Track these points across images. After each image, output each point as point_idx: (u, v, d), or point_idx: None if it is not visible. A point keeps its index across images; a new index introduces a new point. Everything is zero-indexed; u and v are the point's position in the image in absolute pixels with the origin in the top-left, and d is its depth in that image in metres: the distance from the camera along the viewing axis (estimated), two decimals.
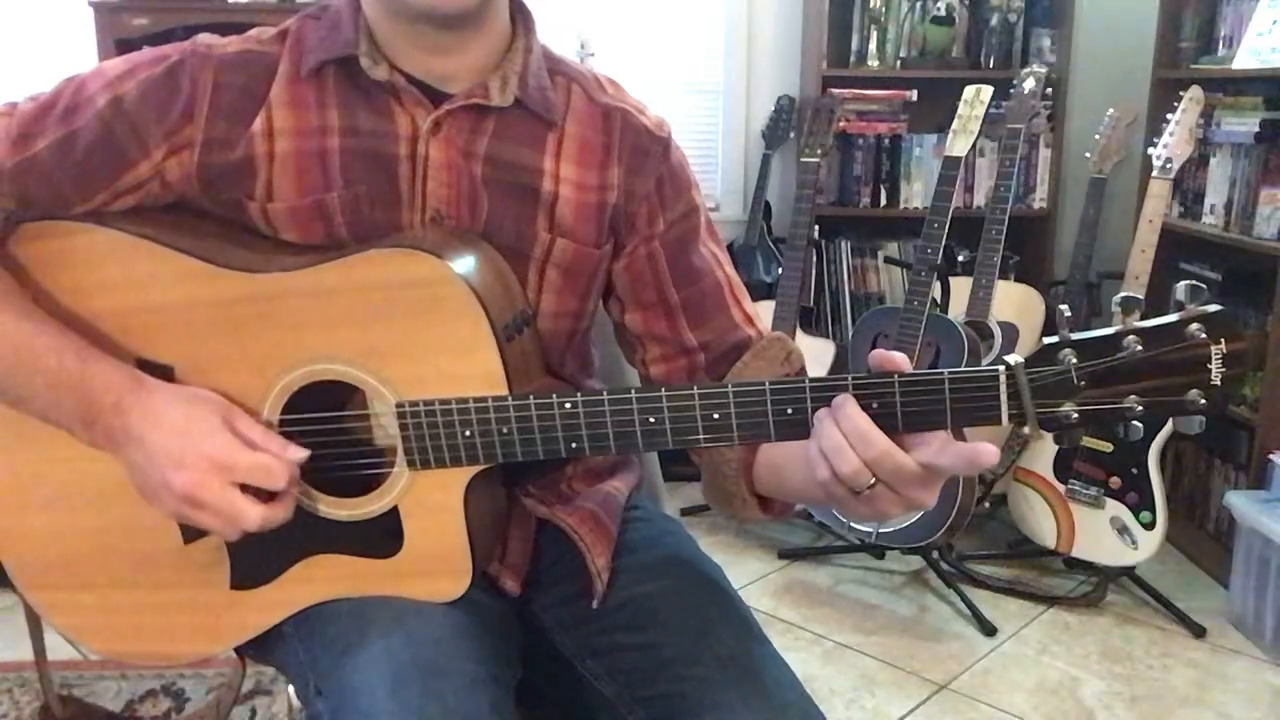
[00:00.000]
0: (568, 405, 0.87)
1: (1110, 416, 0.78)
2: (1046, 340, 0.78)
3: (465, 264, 0.91)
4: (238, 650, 1.06)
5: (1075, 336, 0.78)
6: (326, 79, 0.99)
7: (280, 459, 0.90)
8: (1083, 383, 0.77)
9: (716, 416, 0.84)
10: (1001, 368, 0.78)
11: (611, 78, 1.09)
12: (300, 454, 0.91)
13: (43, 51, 2.92)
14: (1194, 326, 0.76)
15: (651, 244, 1.05)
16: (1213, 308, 0.76)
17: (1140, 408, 0.77)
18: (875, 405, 0.79)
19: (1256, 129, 2.51)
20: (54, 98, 0.98)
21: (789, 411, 0.83)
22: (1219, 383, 0.76)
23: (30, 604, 1.06)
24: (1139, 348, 0.76)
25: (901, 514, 0.83)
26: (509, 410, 0.88)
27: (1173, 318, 0.77)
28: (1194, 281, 0.78)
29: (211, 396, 0.93)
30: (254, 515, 0.89)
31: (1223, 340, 0.76)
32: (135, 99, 0.96)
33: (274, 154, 0.98)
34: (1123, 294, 0.78)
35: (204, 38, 1.00)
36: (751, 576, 2.59)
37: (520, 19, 1.04)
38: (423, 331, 0.90)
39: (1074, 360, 0.77)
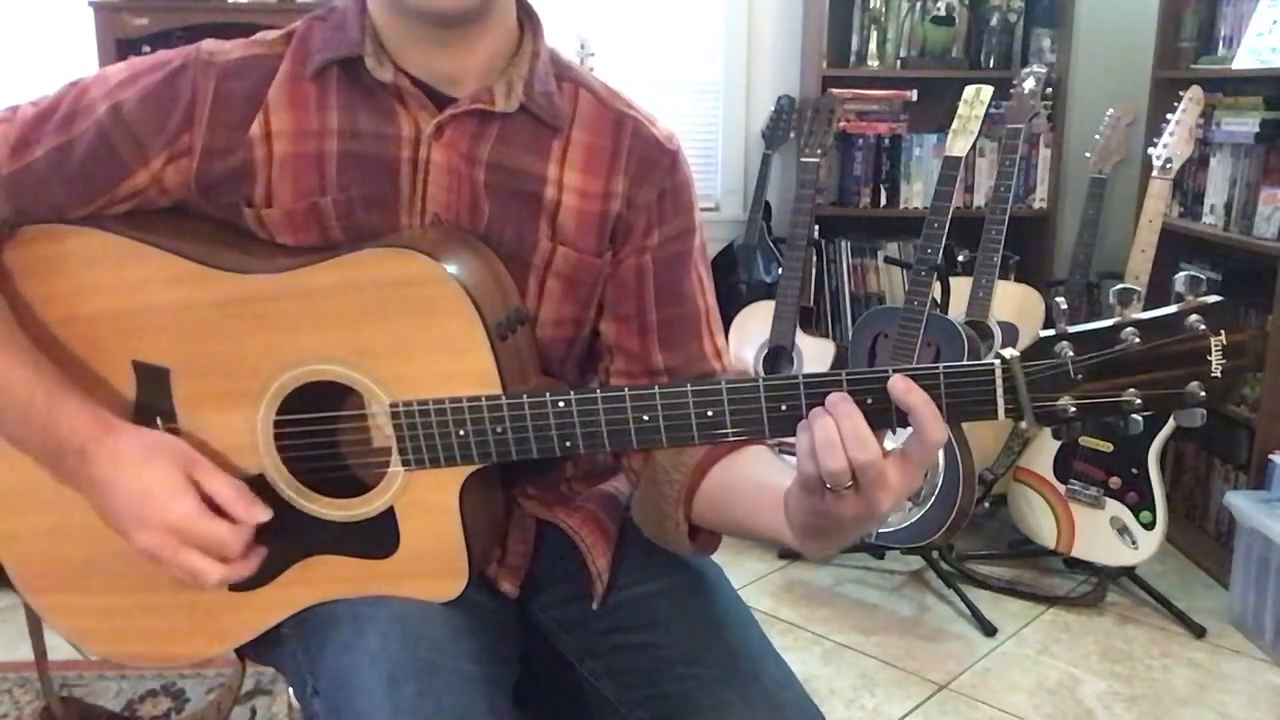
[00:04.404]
0: (561, 404, 0.86)
1: (1109, 410, 0.77)
2: (1043, 333, 0.77)
3: (458, 263, 0.91)
4: (237, 651, 1.06)
5: (1072, 329, 0.77)
6: (330, 80, 0.98)
7: (239, 525, 0.90)
8: (1080, 376, 0.77)
9: (710, 414, 0.84)
10: (997, 361, 0.77)
11: (623, 88, 1.07)
12: (263, 515, 0.92)
13: (43, 52, 2.92)
14: (1193, 318, 0.75)
15: (643, 257, 1.04)
16: (1212, 299, 0.75)
17: (1139, 401, 0.76)
18: (870, 401, 0.79)
19: (1256, 129, 2.51)
20: (55, 103, 0.97)
21: (783, 408, 0.82)
22: (1219, 374, 0.75)
23: (32, 608, 1.07)
24: (1137, 340, 0.75)
25: (854, 534, 0.82)
26: (502, 409, 0.88)
27: (1171, 309, 0.76)
28: (1193, 272, 0.77)
29: (177, 448, 0.93)
30: (213, 576, 0.90)
31: (1223, 331, 0.75)
32: (135, 107, 0.96)
33: (272, 157, 0.97)
34: (1119, 285, 0.77)
35: (208, 43, 0.99)
36: (751, 576, 2.59)
37: (528, 23, 1.03)
38: (416, 331, 0.90)
39: (1071, 353, 0.76)
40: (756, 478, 0.92)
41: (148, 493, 0.90)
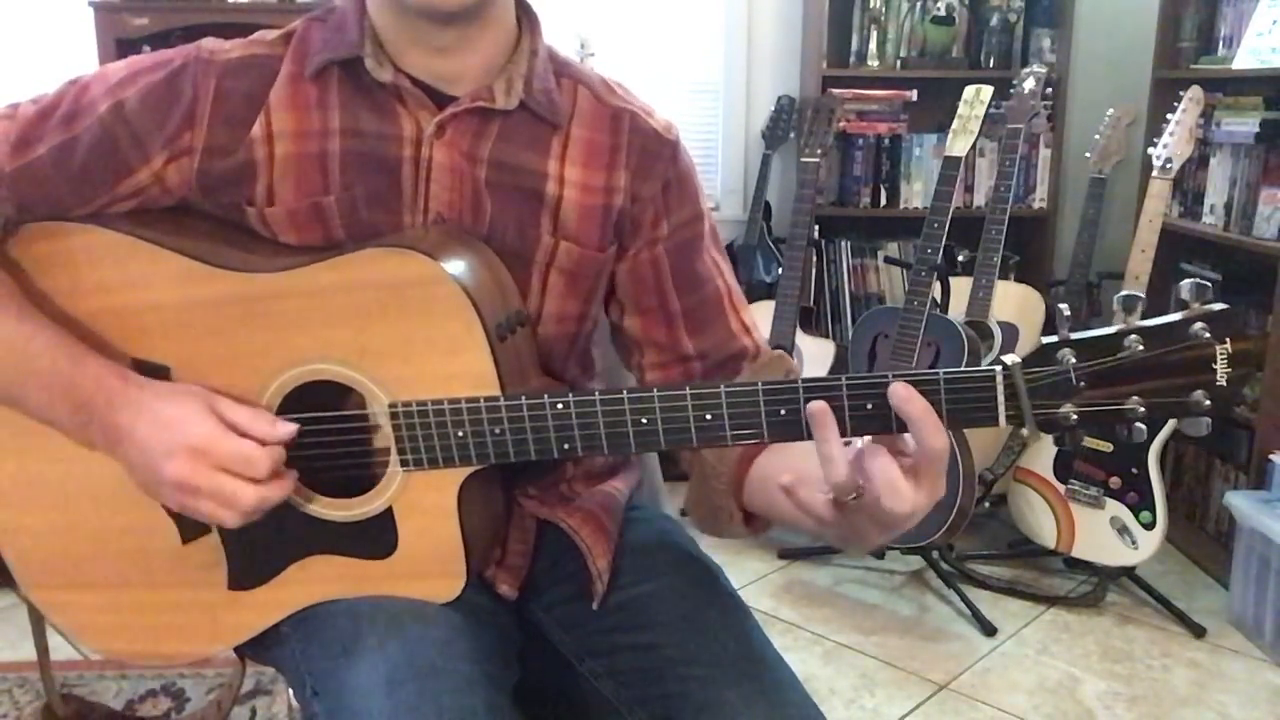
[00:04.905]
0: (559, 406, 0.86)
1: (1111, 418, 0.76)
2: (1045, 340, 0.77)
3: (458, 263, 0.91)
4: (237, 650, 1.06)
5: (1075, 336, 0.76)
6: (330, 80, 0.98)
7: (264, 444, 0.89)
8: (1082, 383, 0.76)
9: (709, 417, 0.84)
10: (999, 368, 0.77)
11: (618, 81, 1.08)
12: (288, 430, 0.90)
13: (43, 51, 2.92)
14: (1198, 326, 0.74)
15: (655, 249, 1.04)
16: (1218, 306, 0.74)
17: (1142, 409, 0.75)
18: (869, 406, 0.79)
19: (1256, 129, 2.51)
20: (55, 101, 0.97)
21: (782, 413, 0.82)
22: (1224, 383, 0.74)
23: (32, 603, 1.07)
24: (1141, 347, 0.75)
25: (880, 539, 0.81)
26: (501, 411, 0.88)
27: (1176, 316, 0.75)
28: (1199, 280, 0.75)
29: (196, 389, 0.93)
30: (248, 496, 0.88)
31: (1228, 340, 0.74)
32: (136, 105, 0.96)
33: (274, 157, 0.97)
34: (1124, 292, 0.76)
35: (208, 42, 0.99)
36: (751, 576, 2.59)
37: (526, 21, 1.03)
38: (415, 331, 0.90)
39: (1073, 360, 0.76)
40: (810, 481, 0.89)
41: (169, 422, 0.89)
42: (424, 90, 0.98)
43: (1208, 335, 0.74)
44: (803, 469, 0.83)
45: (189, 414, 0.90)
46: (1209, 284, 0.75)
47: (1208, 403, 0.75)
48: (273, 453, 0.89)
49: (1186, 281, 0.76)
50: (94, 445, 0.93)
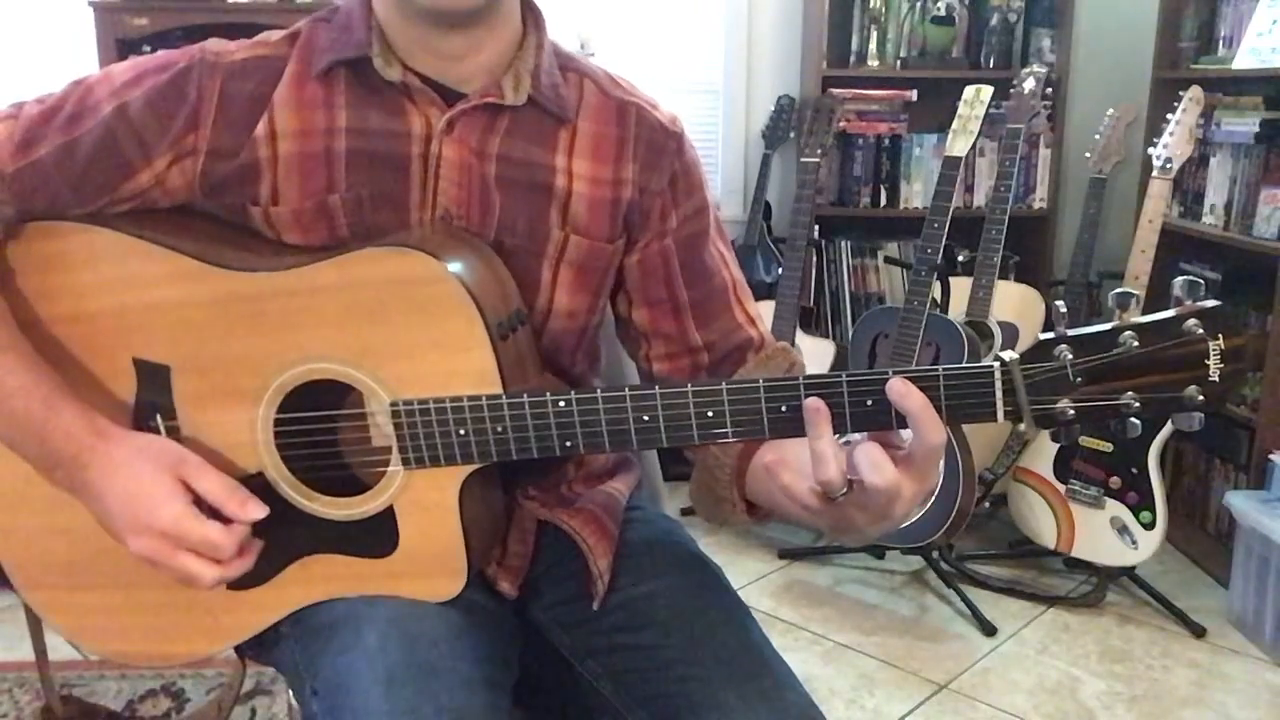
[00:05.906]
0: (561, 403, 0.87)
1: (1107, 413, 0.77)
2: (1042, 336, 0.78)
3: (459, 262, 0.91)
4: (237, 650, 1.06)
5: (1071, 332, 0.77)
6: (337, 80, 0.98)
7: (231, 525, 0.90)
8: (1079, 379, 0.77)
9: (710, 414, 0.84)
10: (996, 364, 0.77)
11: (622, 75, 1.08)
12: (257, 512, 0.91)
13: (43, 51, 2.92)
14: (1191, 322, 0.75)
15: (664, 241, 1.05)
16: (1210, 303, 0.75)
17: (1137, 404, 0.76)
18: (869, 403, 0.79)
19: (1256, 129, 2.51)
20: (60, 102, 0.97)
21: (783, 409, 0.82)
22: (1217, 379, 0.75)
23: (29, 604, 1.06)
24: (1135, 343, 0.75)
25: (869, 528, 0.82)
26: (502, 409, 0.88)
27: (1170, 313, 0.76)
28: (1191, 277, 0.76)
29: (168, 450, 0.92)
30: (207, 578, 0.90)
31: (1220, 336, 0.75)
32: (140, 107, 0.96)
33: (277, 157, 0.97)
34: (1118, 289, 0.78)
35: (212, 44, 0.99)
36: (751, 576, 2.59)
37: (531, 17, 1.03)
38: (417, 330, 0.90)
39: (1070, 356, 0.76)
40: (794, 466, 0.90)
41: (137, 498, 0.90)
42: (432, 88, 0.98)
43: (1200, 331, 0.75)
44: (789, 453, 0.84)
45: (159, 491, 0.90)
46: (1201, 281, 0.76)
47: (1201, 398, 0.76)
48: (239, 532, 0.90)
49: (1179, 279, 0.77)
50: (57, 485, 0.94)
